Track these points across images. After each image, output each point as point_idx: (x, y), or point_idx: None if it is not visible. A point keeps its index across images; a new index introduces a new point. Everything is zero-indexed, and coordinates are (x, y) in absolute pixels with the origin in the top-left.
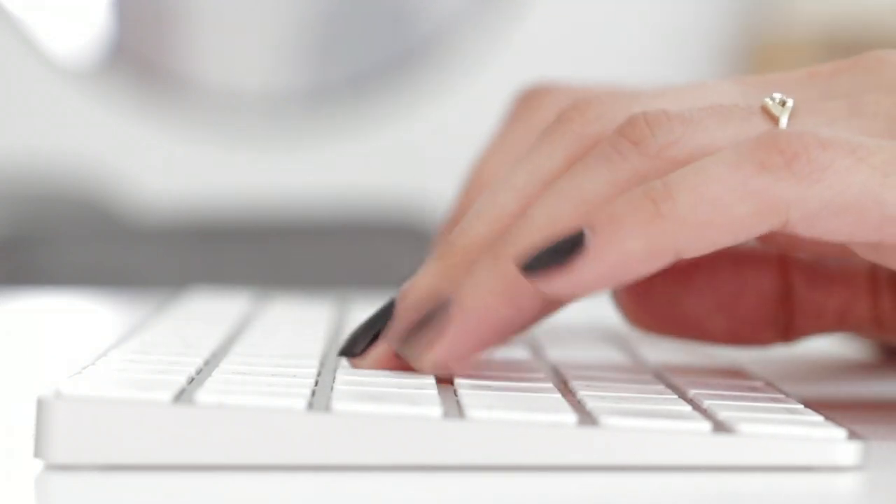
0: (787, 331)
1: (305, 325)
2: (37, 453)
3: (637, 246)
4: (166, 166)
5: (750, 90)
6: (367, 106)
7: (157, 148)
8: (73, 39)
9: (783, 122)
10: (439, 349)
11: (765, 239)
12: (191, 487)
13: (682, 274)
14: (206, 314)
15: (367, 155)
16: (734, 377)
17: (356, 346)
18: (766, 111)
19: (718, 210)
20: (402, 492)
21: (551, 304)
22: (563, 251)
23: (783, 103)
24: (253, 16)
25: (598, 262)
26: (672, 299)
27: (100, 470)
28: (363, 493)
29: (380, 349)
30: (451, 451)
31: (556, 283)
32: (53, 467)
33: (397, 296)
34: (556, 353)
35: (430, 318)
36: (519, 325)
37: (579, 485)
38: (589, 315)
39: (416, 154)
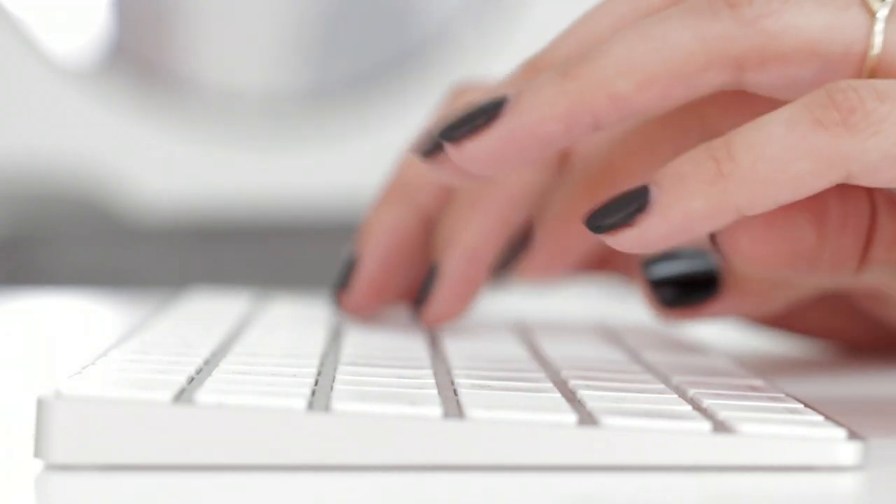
0: (863, 264)
1: (305, 325)
2: (37, 453)
3: (700, 205)
4: (166, 166)
5: None
6: (367, 106)
7: (157, 148)
8: (73, 39)
9: (881, 18)
10: (481, 142)
11: None
12: (191, 487)
13: (798, 202)
14: (206, 314)
15: (366, 155)
16: (734, 377)
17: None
18: (864, 3)
19: (778, 169)
20: (403, 492)
21: (613, 153)
22: (628, 207)
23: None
24: (253, 16)
25: (663, 219)
26: (794, 228)
27: (100, 470)
28: (363, 493)
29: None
30: (451, 451)
31: (622, 239)
32: (53, 467)
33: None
34: (557, 353)
35: (485, 108)
36: (562, 145)
37: (579, 485)
38: (589, 314)
39: None
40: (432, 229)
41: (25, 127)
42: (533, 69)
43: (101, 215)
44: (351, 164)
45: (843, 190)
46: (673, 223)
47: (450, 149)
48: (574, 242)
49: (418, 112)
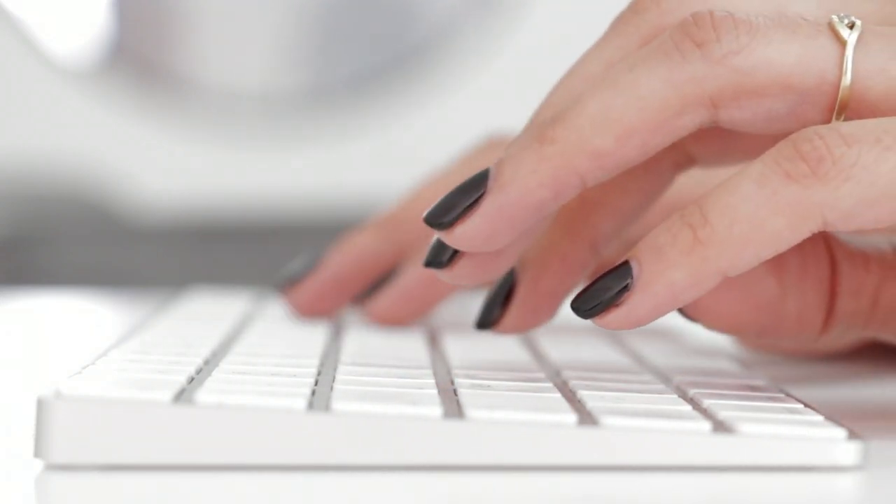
0: (830, 316)
1: (305, 325)
2: (37, 453)
3: (682, 275)
4: (166, 166)
5: None
6: (366, 106)
7: (157, 148)
8: (73, 39)
9: (850, 46)
10: (471, 224)
11: None
12: (191, 487)
13: None
14: (206, 314)
15: (366, 155)
16: (734, 377)
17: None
18: (833, 31)
19: (755, 227)
20: (403, 492)
21: (587, 189)
22: (612, 289)
23: (851, 25)
24: (253, 16)
25: (648, 295)
26: (756, 284)
27: (100, 470)
28: (363, 493)
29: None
30: (451, 451)
31: (611, 319)
32: (53, 467)
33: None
34: (556, 353)
35: (468, 188)
36: (554, 209)
37: (579, 485)
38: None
39: (415, 154)
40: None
41: (25, 127)
42: (533, 129)
43: (101, 215)
44: (351, 164)
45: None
46: (658, 298)
47: (442, 235)
48: (558, 285)
49: (418, 112)
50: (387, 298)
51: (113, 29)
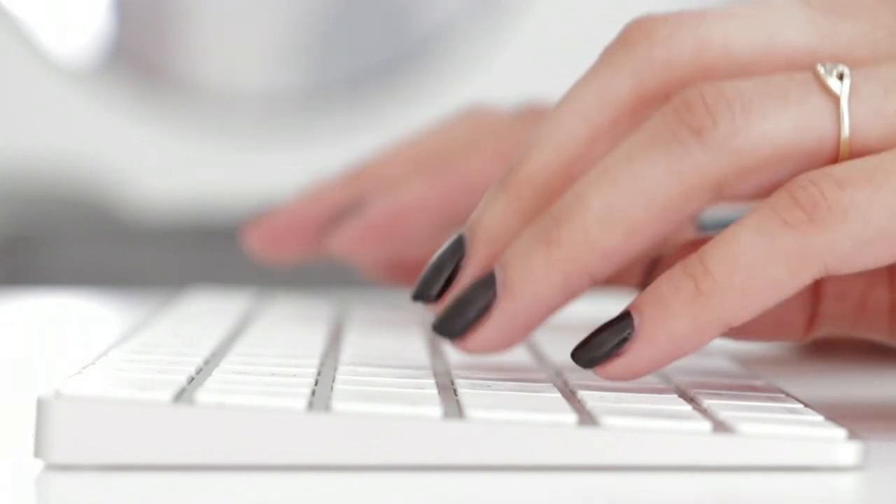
0: (813, 318)
1: (305, 325)
2: (37, 453)
3: (684, 326)
4: (166, 166)
5: (817, 18)
6: (366, 106)
7: (157, 148)
8: (73, 39)
9: (844, 100)
10: (484, 333)
11: None
12: (191, 487)
13: None
14: (206, 314)
15: (366, 155)
16: (734, 377)
17: (431, 289)
18: (823, 86)
19: (755, 276)
20: (402, 492)
21: (599, 283)
22: (614, 339)
23: (840, 76)
24: (252, 16)
25: (650, 346)
26: None
27: (100, 470)
28: (363, 493)
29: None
30: (451, 451)
31: (612, 370)
32: (53, 467)
33: (465, 232)
34: (557, 353)
35: (474, 296)
36: (566, 305)
37: (579, 485)
38: (588, 314)
39: None
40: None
41: (25, 127)
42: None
43: (101, 215)
44: (350, 164)
45: None
46: (660, 348)
47: (457, 344)
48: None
49: (418, 112)
50: (351, 229)
51: (113, 29)
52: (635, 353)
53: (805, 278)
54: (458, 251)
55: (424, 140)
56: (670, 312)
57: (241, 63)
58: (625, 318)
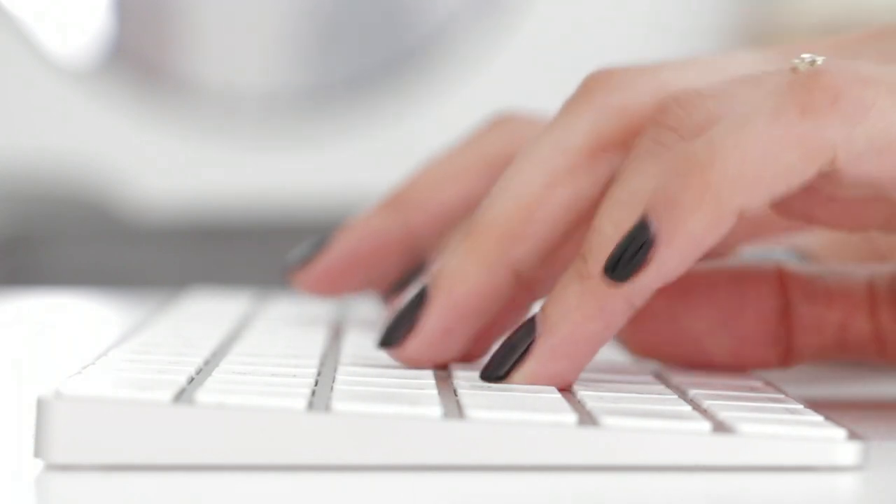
0: (789, 351)
1: (305, 325)
2: (37, 453)
3: (700, 220)
4: (166, 166)
5: (773, 58)
6: (366, 106)
7: (157, 148)
8: (73, 39)
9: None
10: (528, 368)
11: (781, 209)
12: (191, 487)
13: (681, 292)
14: (206, 314)
15: (366, 155)
16: (734, 377)
17: (393, 336)
18: (796, 73)
19: (767, 164)
20: (402, 492)
21: (636, 308)
22: (636, 248)
23: (813, 62)
24: (253, 16)
25: (672, 248)
26: (671, 318)
27: (100, 470)
28: (363, 493)
29: (418, 345)
30: (451, 451)
31: (643, 280)
32: (53, 467)
33: (428, 281)
34: None
35: (516, 343)
36: (608, 337)
37: (579, 485)
38: None
39: (415, 154)
40: (415, 245)
41: (25, 127)
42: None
43: (101, 215)
44: (351, 164)
45: (745, 276)
46: (683, 247)
47: (513, 377)
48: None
49: (418, 112)
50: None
51: (113, 29)
52: (661, 259)
53: (814, 168)
54: (420, 299)
55: (461, 155)
56: (684, 210)
57: (241, 63)
58: (642, 225)
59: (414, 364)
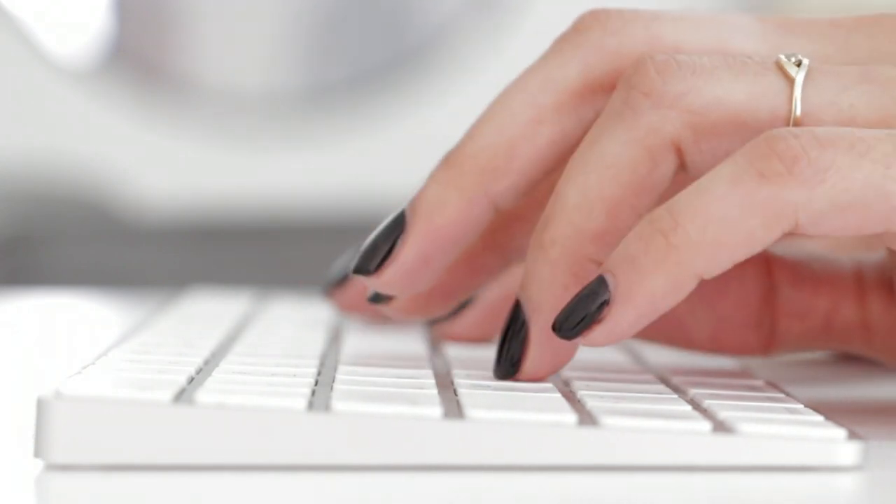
0: (772, 336)
1: (305, 325)
2: (37, 453)
3: (659, 282)
4: (166, 166)
5: (770, 31)
6: (366, 106)
7: (157, 148)
8: (73, 39)
9: (798, 82)
10: (532, 356)
11: None
12: (191, 487)
13: None
14: (206, 314)
15: (366, 155)
16: (734, 377)
17: (370, 263)
18: (780, 68)
19: (728, 229)
20: (402, 492)
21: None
22: (591, 305)
23: (798, 63)
24: (253, 16)
25: (629, 306)
26: None
27: (100, 470)
28: (363, 493)
29: (394, 273)
30: (451, 451)
31: (595, 336)
32: (53, 467)
33: (406, 208)
34: None
35: (512, 327)
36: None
37: (579, 485)
38: None
39: (414, 154)
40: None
41: (25, 127)
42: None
43: (101, 215)
44: (351, 164)
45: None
46: (639, 308)
47: (510, 378)
48: (459, 282)
49: (418, 112)
50: (467, 318)
51: (113, 29)
52: (615, 317)
53: (776, 232)
54: (397, 226)
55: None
56: (643, 271)
57: (241, 63)
58: (599, 282)
59: (389, 290)
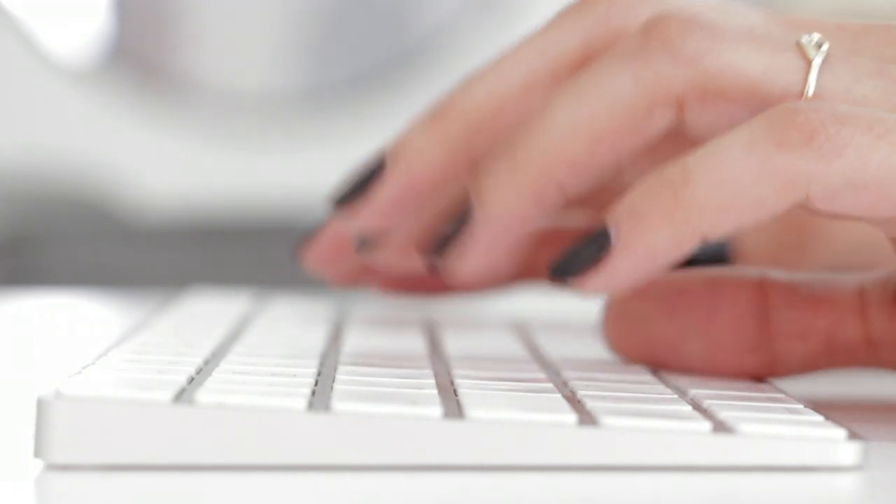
0: (773, 359)
1: (305, 324)
2: (37, 453)
3: (662, 236)
4: (166, 166)
5: (780, 26)
6: (366, 106)
7: (157, 148)
8: (73, 39)
9: (816, 64)
10: (473, 258)
11: None
12: (191, 487)
13: (656, 296)
14: (206, 314)
15: (366, 155)
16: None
17: (347, 198)
18: (800, 49)
19: (739, 192)
20: (402, 492)
21: (573, 200)
22: (591, 251)
23: (819, 46)
24: (253, 16)
25: (628, 256)
26: (646, 322)
27: (100, 470)
28: (363, 493)
29: (370, 210)
30: (451, 451)
31: (590, 283)
32: (53, 467)
33: (388, 151)
34: (557, 353)
35: (456, 227)
36: (542, 222)
37: (579, 485)
38: (587, 314)
39: None
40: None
41: (25, 127)
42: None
43: (101, 215)
44: (351, 164)
45: (721, 282)
46: (637, 258)
47: (450, 277)
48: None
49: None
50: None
51: (113, 29)
52: (613, 265)
53: (787, 201)
54: (377, 168)
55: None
56: (648, 223)
57: (241, 63)
58: (601, 230)
59: (361, 230)
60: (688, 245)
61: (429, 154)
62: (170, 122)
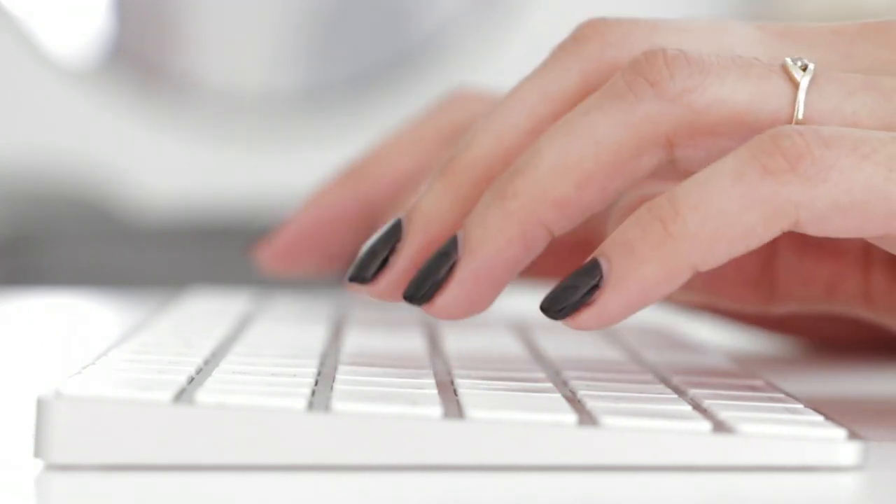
0: (771, 294)
1: (305, 324)
2: (37, 453)
3: (653, 270)
4: (166, 166)
5: (772, 40)
6: (366, 106)
7: (157, 148)
8: (73, 39)
9: (803, 87)
10: (450, 294)
11: None
12: (191, 487)
13: None
14: (206, 314)
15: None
16: (734, 377)
17: (366, 272)
18: (786, 72)
19: (728, 222)
20: (402, 492)
21: (559, 238)
22: (582, 288)
23: (804, 67)
24: (253, 16)
25: (620, 292)
26: None
27: (100, 470)
28: (363, 493)
29: (390, 282)
30: (451, 451)
31: (583, 320)
32: (53, 467)
33: (403, 217)
34: (557, 353)
35: (438, 261)
36: (527, 262)
37: (579, 485)
38: None
39: None
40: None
41: (25, 127)
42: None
43: (101, 215)
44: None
45: None
46: (630, 294)
47: (425, 309)
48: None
49: (418, 112)
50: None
51: (113, 29)
52: (605, 301)
53: (777, 228)
54: (394, 235)
55: (416, 128)
56: (639, 257)
57: (241, 63)
58: (593, 265)
59: (384, 299)
60: (680, 278)
61: (443, 215)
62: (170, 122)
